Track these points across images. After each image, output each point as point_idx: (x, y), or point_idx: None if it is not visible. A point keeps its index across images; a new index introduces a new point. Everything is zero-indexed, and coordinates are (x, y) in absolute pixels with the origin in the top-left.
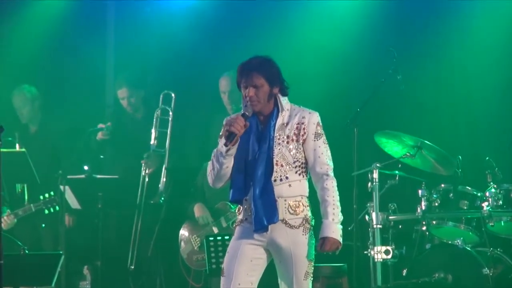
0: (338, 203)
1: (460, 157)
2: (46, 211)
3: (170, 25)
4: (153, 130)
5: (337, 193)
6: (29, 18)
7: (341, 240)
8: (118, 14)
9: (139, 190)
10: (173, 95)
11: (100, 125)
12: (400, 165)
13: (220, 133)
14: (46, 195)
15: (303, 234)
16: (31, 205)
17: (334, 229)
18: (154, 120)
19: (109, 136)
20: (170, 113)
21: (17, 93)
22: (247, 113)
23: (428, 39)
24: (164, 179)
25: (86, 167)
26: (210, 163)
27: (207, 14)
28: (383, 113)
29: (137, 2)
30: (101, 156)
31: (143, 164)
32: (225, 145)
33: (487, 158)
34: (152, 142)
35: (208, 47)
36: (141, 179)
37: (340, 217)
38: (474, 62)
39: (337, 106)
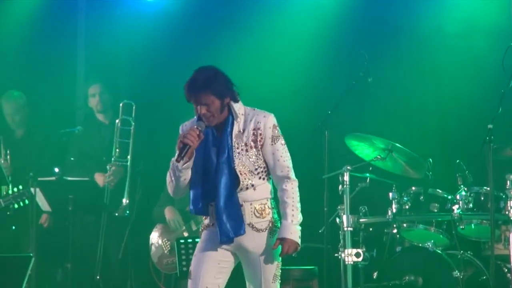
0: (298, 204)
1: (430, 160)
2: (16, 206)
3: (140, 27)
4: (114, 140)
5: (297, 194)
6: None
7: (299, 241)
8: (88, 17)
9: (104, 200)
10: (133, 105)
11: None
12: (371, 168)
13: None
14: (15, 189)
15: (270, 237)
16: (0, 200)
17: (293, 230)
18: (115, 130)
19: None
20: (132, 123)
21: (8, 100)
22: (199, 128)
23: (400, 42)
24: (128, 192)
25: (56, 169)
26: (168, 174)
27: (177, 15)
28: (354, 116)
29: (107, 3)
30: (72, 158)
31: (107, 177)
32: (178, 159)
33: (457, 161)
34: (114, 153)
35: (178, 49)
36: (105, 192)
37: (299, 218)
38: (444, 65)
39: (308, 108)
